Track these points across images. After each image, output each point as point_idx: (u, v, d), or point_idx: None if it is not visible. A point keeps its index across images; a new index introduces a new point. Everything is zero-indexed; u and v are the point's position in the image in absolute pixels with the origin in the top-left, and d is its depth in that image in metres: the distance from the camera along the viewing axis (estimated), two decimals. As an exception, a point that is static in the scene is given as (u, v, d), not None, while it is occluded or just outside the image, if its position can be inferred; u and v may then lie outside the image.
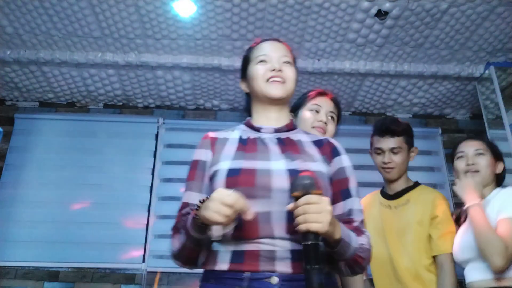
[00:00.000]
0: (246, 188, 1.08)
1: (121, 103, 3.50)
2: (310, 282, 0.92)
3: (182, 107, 3.53)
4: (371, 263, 1.76)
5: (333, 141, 1.28)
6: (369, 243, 1.13)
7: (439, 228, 1.88)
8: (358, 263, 1.09)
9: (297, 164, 1.14)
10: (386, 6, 2.47)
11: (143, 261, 3.00)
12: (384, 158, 2.00)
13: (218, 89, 3.28)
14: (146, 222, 3.12)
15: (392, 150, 2.00)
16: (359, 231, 1.13)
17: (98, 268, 3.00)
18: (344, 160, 1.23)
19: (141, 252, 3.03)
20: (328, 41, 2.79)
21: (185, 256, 1.12)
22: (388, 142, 2.00)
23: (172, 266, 3.14)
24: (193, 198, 1.17)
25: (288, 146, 1.21)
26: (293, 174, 1.09)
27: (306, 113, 1.70)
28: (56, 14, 2.57)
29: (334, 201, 1.18)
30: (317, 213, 0.94)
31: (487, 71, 3.01)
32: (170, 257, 1.15)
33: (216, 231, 0.98)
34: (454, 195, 3.14)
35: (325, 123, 1.67)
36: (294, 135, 1.27)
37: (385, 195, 2.08)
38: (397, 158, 2.00)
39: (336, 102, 1.76)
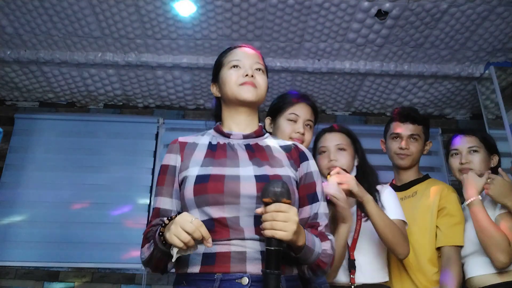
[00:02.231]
0: (215, 195, 1.11)
1: (121, 103, 3.50)
2: (267, 285, 0.97)
3: (182, 107, 3.53)
4: None
5: (301, 146, 1.32)
6: (332, 248, 1.16)
7: (447, 219, 1.85)
8: (320, 267, 1.14)
9: (265, 170, 1.16)
10: (386, 6, 2.47)
11: (143, 261, 3.00)
12: (401, 143, 1.98)
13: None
14: (146, 222, 3.12)
15: (412, 136, 1.99)
16: (323, 236, 1.17)
17: (98, 268, 3.00)
18: (312, 165, 1.26)
19: (141, 252, 3.03)
20: (328, 41, 2.79)
21: (154, 264, 1.15)
22: (408, 128, 1.99)
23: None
24: (164, 203, 1.20)
25: (256, 152, 1.23)
26: (261, 180, 1.12)
27: (283, 124, 1.71)
28: (56, 14, 2.57)
29: (301, 205, 1.21)
30: (284, 222, 0.99)
31: (487, 71, 3.01)
32: (141, 263, 1.18)
33: (175, 253, 1.00)
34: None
35: (303, 133, 1.69)
36: (262, 141, 1.29)
37: (393, 187, 2.05)
38: (414, 146, 1.99)
39: (314, 108, 1.76)
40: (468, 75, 3.05)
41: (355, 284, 1.65)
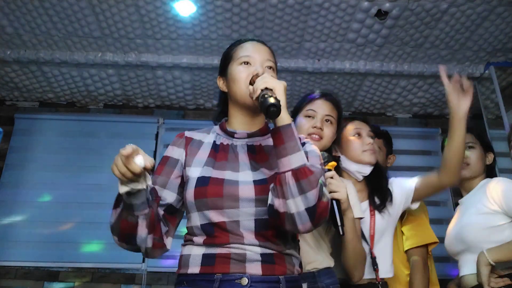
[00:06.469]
0: (214, 199, 1.11)
1: (121, 103, 3.50)
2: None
3: (182, 107, 3.53)
4: None
5: (302, 137, 1.24)
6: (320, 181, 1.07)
7: (408, 223, 1.91)
8: (304, 176, 1.07)
9: (263, 173, 1.15)
10: (386, 6, 2.47)
11: (143, 261, 3.00)
12: None
13: (218, 89, 3.28)
14: (146, 222, 3.11)
15: None
16: None
17: (98, 268, 3.00)
18: (307, 147, 1.18)
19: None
20: (328, 41, 2.79)
21: (119, 229, 1.15)
22: None
23: (172, 266, 3.13)
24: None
25: (257, 155, 1.21)
26: (259, 183, 1.12)
27: (301, 120, 1.63)
28: (56, 14, 2.56)
29: None
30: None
31: (487, 71, 3.01)
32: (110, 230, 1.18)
33: (122, 187, 1.07)
34: (454, 195, 3.15)
35: (320, 128, 1.59)
36: (265, 141, 1.26)
37: None
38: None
39: (334, 103, 1.67)
40: (468, 75, 3.04)
41: (380, 282, 1.63)
